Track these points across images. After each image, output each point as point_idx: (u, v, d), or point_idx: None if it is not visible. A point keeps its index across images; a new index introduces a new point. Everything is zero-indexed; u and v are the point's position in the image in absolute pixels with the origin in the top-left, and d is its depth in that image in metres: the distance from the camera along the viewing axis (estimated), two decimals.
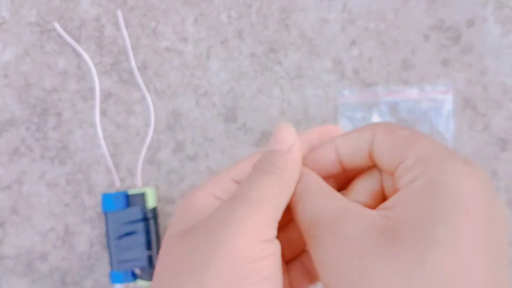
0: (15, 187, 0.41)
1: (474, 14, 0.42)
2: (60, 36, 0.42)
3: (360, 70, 0.42)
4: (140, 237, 0.36)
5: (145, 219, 0.36)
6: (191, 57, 0.42)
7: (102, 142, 0.40)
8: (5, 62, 0.42)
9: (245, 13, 0.42)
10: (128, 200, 0.37)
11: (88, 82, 0.42)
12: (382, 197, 0.23)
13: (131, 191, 0.37)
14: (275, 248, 0.20)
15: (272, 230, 0.20)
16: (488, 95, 0.42)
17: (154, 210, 0.38)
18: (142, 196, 0.36)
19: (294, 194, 0.23)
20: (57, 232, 0.39)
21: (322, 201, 0.21)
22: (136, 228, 0.36)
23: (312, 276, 0.25)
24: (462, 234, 0.17)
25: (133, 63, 0.42)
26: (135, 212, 0.36)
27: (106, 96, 0.42)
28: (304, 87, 0.42)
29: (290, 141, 0.22)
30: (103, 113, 0.41)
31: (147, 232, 0.37)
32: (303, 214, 0.21)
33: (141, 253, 0.36)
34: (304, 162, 0.24)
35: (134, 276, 0.36)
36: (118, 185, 0.39)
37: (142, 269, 0.36)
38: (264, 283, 0.18)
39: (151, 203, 0.37)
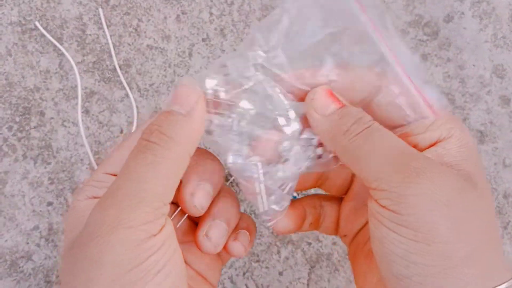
0: None
1: (452, 9, 0.43)
2: (42, 35, 0.42)
3: None
4: None
5: None
6: (173, 55, 0.43)
7: (85, 140, 0.40)
8: None
9: (226, 11, 0.43)
10: None
11: (71, 81, 0.42)
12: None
13: None
14: (165, 236, 0.17)
15: (158, 222, 0.17)
16: (466, 89, 0.43)
17: None
18: None
19: (353, 129, 0.19)
20: (41, 231, 0.39)
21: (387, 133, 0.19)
22: None
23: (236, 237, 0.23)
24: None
25: (115, 62, 0.42)
26: None
27: (89, 95, 0.42)
28: None
29: (192, 102, 0.18)
30: (86, 111, 0.41)
31: None
32: (370, 145, 0.19)
33: None
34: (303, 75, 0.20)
35: None
36: None
37: None
38: (158, 277, 0.17)
39: None
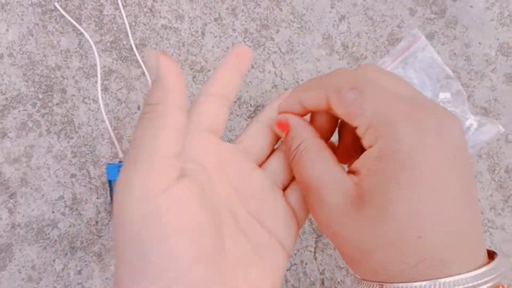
0: (23, 160, 0.44)
1: None
2: (61, 16, 0.44)
3: (349, 45, 0.44)
4: None
5: None
6: (186, 35, 0.44)
7: (105, 116, 0.42)
8: (10, 41, 0.44)
9: None
10: None
11: (90, 59, 0.44)
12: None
13: None
14: (184, 191, 0.19)
15: (169, 176, 0.19)
16: (471, 66, 0.44)
17: None
18: None
19: (290, 155, 0.24)
20: (65, 201, 0.42)
21: (311, 165, 0.23)
22: None
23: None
24: (415, 201, 0.20)
25: (131, 41, 0.44)
26: None
27: (107, 73, 0.44)
28: (295, 62, 0.44)
29: (160, 68, 0.20)
30: (105, 89, 0.44)
31: None
32: (298, 177, 0.24)
33: None
34: (278, 111, 0.26)
35: None
36: (121, 156, 0.42)
37: None
38: (173, 237, 0.18)
39: None
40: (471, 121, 0.42)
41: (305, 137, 0.24)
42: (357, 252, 0.21)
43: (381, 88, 0.22)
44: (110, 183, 0.39)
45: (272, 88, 0.44)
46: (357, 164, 0.22)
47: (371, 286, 0.21)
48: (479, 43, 0.44)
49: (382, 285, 0.20)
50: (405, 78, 0.43)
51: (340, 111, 0.22)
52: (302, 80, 0.44)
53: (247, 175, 0.25)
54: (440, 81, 0.43)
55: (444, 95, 0.42)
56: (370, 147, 0.21)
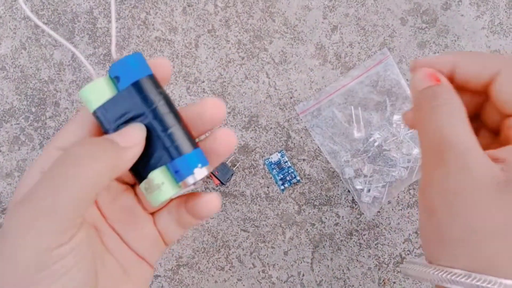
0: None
1: None
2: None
3: (341, 55, 0.44)
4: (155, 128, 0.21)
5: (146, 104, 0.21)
6: (180, 46, 0.44)
7: None
8: (2, 55, 0.44)
9: (230, 3, 0.44)
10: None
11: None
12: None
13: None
14: (75, 244, 0.18)
15: (69, 232, 0.18)
16: None
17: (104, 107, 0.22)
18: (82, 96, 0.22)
19: (432, 105, 0.21)
20: None
21: (462, 125, 0.20)
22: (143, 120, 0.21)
23: (184, 223, 0.24)
24: None
25: (113, 51, 0.44)
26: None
27: None
28: (289, 72, 0.44)
29: (135, 141, 0.19)
30: None
31: (160, 119, 0.21)
32: (439, 129, 0.20)
33: (169, 150, 0.21)
34: (417, 63, 0.23)
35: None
36: None
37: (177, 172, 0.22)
38: (62, 279, 0.18)
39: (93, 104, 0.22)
40: (418, 150, 0.43)
41: (457, 100, 0.21)
42: (480, 233, 0.19)
43: None
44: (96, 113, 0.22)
45: (266, 98, 0.44)
46: (503, 152, 0.20)
47: (466, 277, 0.18)
48: (470, 51, 0.44)
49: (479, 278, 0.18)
50: (366, 94, 0.44)
51: (509, 91, 0.21)
52: (296, 90, 0.44)
53: (114, 199, 0.23)
54: (399, 103, 0.44)
55: (398, 117, 0.43)
56: None
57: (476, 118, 0.25)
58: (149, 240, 0.24)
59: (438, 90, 0.22)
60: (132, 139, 0.20)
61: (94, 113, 0.21)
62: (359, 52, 0.44)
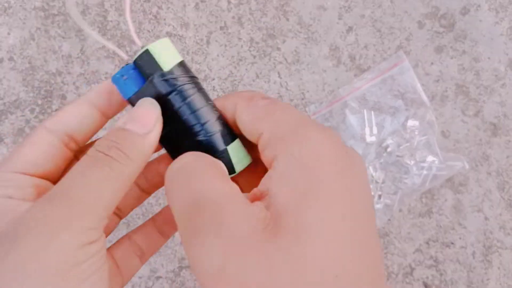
0: None
1: (468, 2, 0.43)
2: (64, 20, 0.43)
3: (356, 56, 0.43)
4: (182, 118, 0.21)
5: (167, 91, 0.21)
6: (191, 42, 0.43)
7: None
8: (11, 45, 0.43)
9: (244, 0, 0.43)
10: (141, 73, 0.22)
11: (92, 65, 0.43)
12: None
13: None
14: (100, 246, 0.18)
15: (100, 230, 0.18)
16: (480, 81, 0.43)
17: (182, 65, 0.21)
18: (146, 58, 0.21)
19: (172, 169, 0.19)
20: None
21: (210, 179, 0.18)
22: (172, 105, 0.21)
23: (144, 253, 0.23)
24: (326, 217, 0.16)
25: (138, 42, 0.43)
26: (149, 87, 0.21)
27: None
28: (301, 73, 0.43)
29: (151, 124, 0.19)
30: None
31: (189, 103, 0.21)
32: (185, 195, 0.18)
33: (194, 140, 0.21)
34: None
35: None
36: None
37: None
38: (85, 283, 0.17)
39: (168, 61, 0.21)
40: (432, 157, 0.42)
41: (199, 155, 0.19)
42: None
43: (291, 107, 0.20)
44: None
45: (278, 98, 0.43)
46: (263, 184, 0.18)
47: None
48: (488, 58, 0.43)
49: None
50: (380, 98, 0.43)
51: (246, 119, 0.19)
52: (308, 91, 0.43)
53: None
54: (414, 108, 0.42)
55: (413, 123, 0.42)
56: (274, 159, 0.18)
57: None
58: (125, 252, 0.23)
59: (184, 155, 0.19)
60: (148, 122, 0.19)
61: (162, 76, 0.20)
62: (374, 55, 0.43)
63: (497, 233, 0.43)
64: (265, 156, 0.18)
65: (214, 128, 0.21)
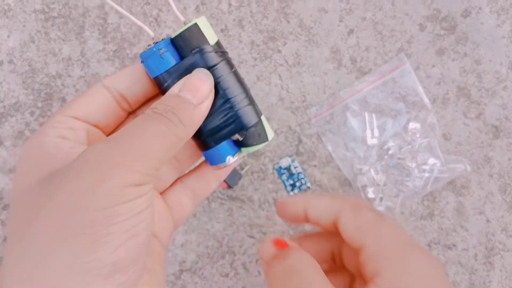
0: None
1: (469, 4, 0.43)
2: (64, 23, 0.43)
3: (357, 59, 0.43)
4: (222, 89, 0.22)
5: (214, 63, 0.22)
6: None
7: None
8: (10, 48, 0.43)
9: (245, 2, 0.43)
10: (178, 49, 0.22)
11: (92, 68, 0.43)
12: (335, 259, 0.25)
13: (175, 33, 0.23)
14: (148, 189, 0.19)
15: (151, 177, 0.19)
16: (482, 84, 0.43)
17: (218, 45, 0.23)
18: (194, 31, 0.21)
19: (276, 268, 0.22)
20: None
21: (317, 277, 0.20)
22: (217, 77, 0.22)
23: (196, 195, 0.25)
24: None
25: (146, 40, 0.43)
26: (196, 60, 0.21)
27: None
28: (302, 75, 0.43)
29: (205, 95, 0.20)
30: None
31: (225, 78, 0.22)
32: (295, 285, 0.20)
33: (233, 110, 0.22)
34: (277, 204, 0.25)
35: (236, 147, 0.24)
36: None
37: (244, 129, 0.22)
38: (135, 218, 0.18)
39: (211, 36, 0.22)
40: (434, 160, 0.42)
41: (306, 255, 0.22)
42: None
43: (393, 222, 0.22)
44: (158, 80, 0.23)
45: (278, 101, 0.43)
46: None
47: None
48: (490, 60, 0.43)
49: None
50: (381, 101, 0.42)
51: (351, 228, 0.22)
52: (309, 94, 0.43)
53: None
54: (415, 111, 0.42)
55: (414, 126, 0.42)
56: (376, 275, 0.20)
57: (336, 264, 0.26)
58: (158, 215, 0.23)
59: (287, 252, 0.22)
60: (202, 93, 0.20)
61: (209, 47, 0.21)
62: (375, 57, 0.43)
63: (499, 235, 0.43)
64: (367, 269, 0.21)
65: (252, 99, 0.23)
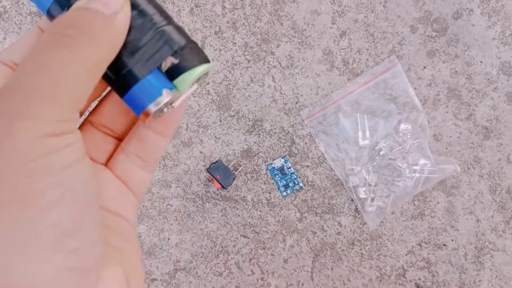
0: None
1: (460, 6, 0.44)
2: None
3: (349, 61, 0.44)
4: (141, 5, 0.18)
5: None
6: None
7: None
8: None
9: (239, 5, 0.44)
10: None
11: None
12: None
13: None
14: (75, 138, 0.15)
15: (69, 125, 0.15)
16: (473, 85, 0.44)
17: None
18: None
19: None
20: None
21: None
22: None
23: (146, 162, 0.20)
24: None
25: None
26: None
27: None
28: (295, 77, 0.44)
29: (119, 3, 0.16)
30: None
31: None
32: None
33: (160, 27, 0.18)
34: None
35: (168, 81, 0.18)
36: None
37: (177, 53, 0.18)
38: (65, 172, 0.15)
39: None
40: (424, 160, 0.42)
41: None
42: None
43: None
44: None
45: (271, 102, 0.44)
46: None
47: None
48: (481, 62, 0.44)
49: None
50: (373, 102, 0.43)
51: None
52: (301, 95, 0.44)
53: None
54: (406, 112, 0.43)
55: (405, 126, 0.43)
56: None
57: None
58: (113, 189, 0.20)
59: None
60: (115, 1, 0.16)
61: None
62: (367, 59, 0.44)
63: (489, 235, 0.43)
64: None
65: (173, 20, 0.18)
